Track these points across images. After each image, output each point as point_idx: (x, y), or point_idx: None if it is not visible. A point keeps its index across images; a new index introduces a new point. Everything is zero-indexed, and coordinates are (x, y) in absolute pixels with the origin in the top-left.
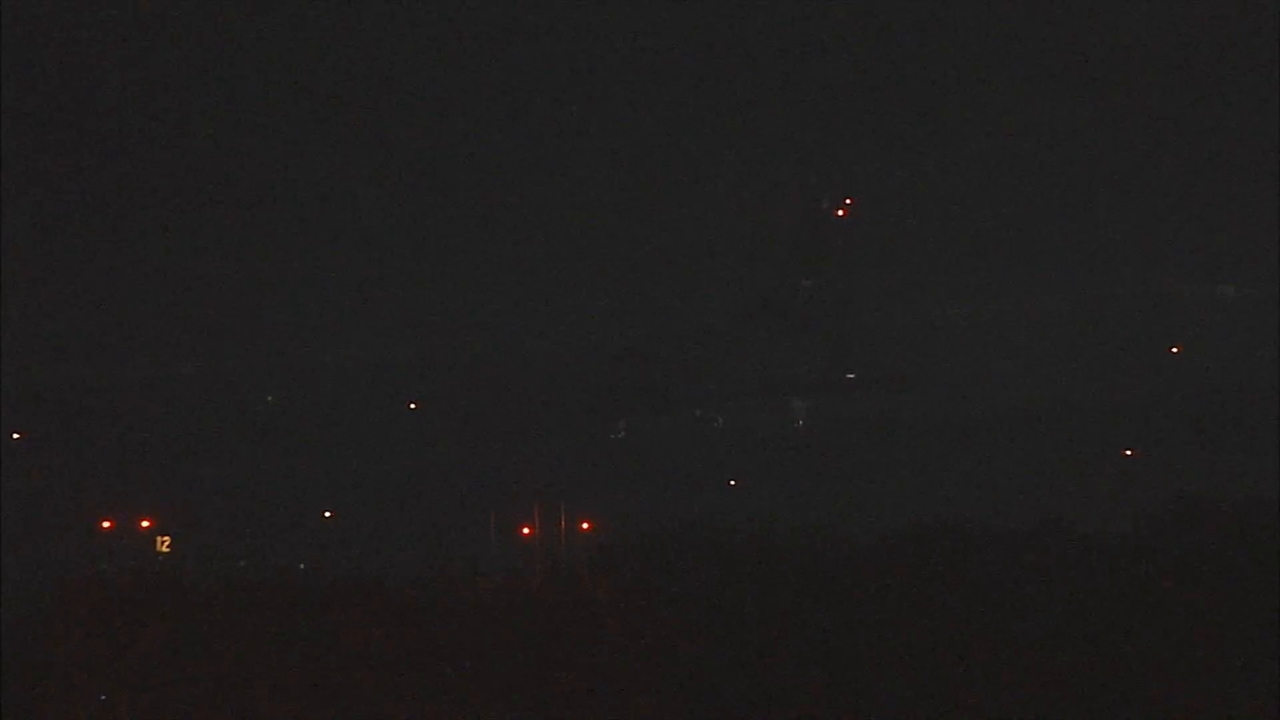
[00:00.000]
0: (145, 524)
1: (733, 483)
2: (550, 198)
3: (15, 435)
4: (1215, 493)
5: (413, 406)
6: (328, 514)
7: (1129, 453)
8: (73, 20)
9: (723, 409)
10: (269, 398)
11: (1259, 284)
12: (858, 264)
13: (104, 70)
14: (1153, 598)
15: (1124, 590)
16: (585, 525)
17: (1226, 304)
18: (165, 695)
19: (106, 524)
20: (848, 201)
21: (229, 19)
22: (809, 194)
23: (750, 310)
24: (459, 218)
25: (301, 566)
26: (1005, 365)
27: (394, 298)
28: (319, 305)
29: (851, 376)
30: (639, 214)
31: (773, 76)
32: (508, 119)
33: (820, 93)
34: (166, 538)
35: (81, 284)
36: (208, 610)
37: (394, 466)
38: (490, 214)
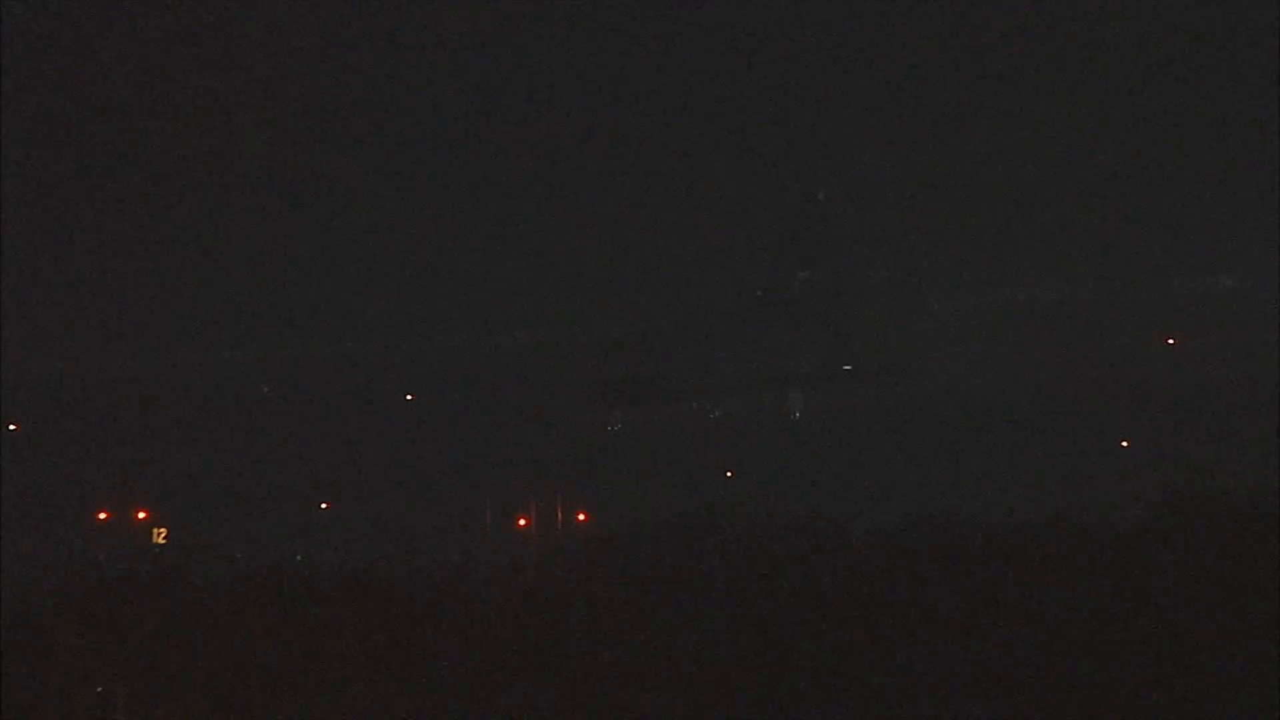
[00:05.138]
0: (141, 516)
1: (730, 474)
2: (546, 190)
3: (11, 426)
4: (1214, 484)
5: (409, 398)
6: (324, 505)
7: (1126, 444)
8: (72, 15)
9: (720, 401)
10: (265, 389)
11: (1257, 275)
12: (855, 255)
13: (103, 64)
14: (1152, 590)
15: (1122, 582)
16: (581, 517)
17: (1224, 295)
18: (162, 687)
19: (103, 516)
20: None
21: (230, 14)
22: (805, 185)
23: (747, 302)
24: (456, 211)
25: (298, 558)
26: (1002, 356)
27: (391, 289)
28: (316, 297)
29: (849, 368)
30: (636, 206)
31: (769, 68)
32: (505, 114)
33: (818, 85)
34: (163, 530)
35: (78, 274)
36: (204, 602)
37: (390, 458)
38: (487, 207)
